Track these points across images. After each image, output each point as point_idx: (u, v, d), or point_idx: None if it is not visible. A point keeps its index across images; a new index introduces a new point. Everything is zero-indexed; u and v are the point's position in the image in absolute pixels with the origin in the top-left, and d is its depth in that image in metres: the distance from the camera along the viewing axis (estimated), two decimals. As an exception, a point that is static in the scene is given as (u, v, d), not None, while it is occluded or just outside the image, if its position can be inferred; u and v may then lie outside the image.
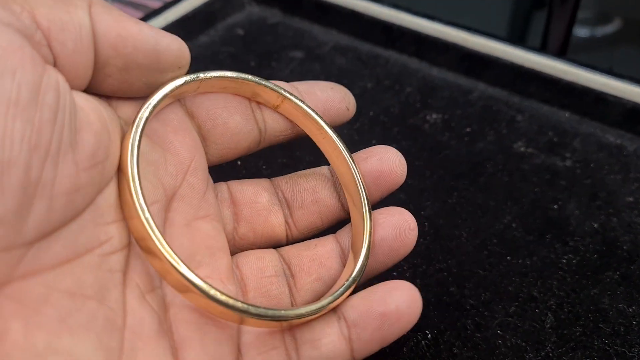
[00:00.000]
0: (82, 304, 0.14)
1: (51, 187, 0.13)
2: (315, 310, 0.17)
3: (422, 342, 0.20)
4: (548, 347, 0.20)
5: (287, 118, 0.20)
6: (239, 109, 0.19)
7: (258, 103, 0.20)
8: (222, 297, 0.15)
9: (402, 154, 0.20)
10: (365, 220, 0.19)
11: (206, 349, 0.16)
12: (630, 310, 0.21)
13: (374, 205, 0.19)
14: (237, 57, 0.34)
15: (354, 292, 0.18)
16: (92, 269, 0.15)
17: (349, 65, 0.33)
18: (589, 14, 0.47)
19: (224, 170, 0.21)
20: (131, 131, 0.16)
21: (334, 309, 0.17)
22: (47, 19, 0.14)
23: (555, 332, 0.21)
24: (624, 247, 0.24)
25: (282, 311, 0.16)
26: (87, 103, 0.15)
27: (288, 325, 0.17)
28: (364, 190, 0.19)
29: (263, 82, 0.19)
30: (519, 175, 0.27)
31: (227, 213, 0.19)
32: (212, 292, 0.15)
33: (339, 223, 0.20)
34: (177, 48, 0.17)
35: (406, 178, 0.20)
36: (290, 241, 0.20)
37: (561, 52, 0.36)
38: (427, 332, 0.21)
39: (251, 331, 0.17)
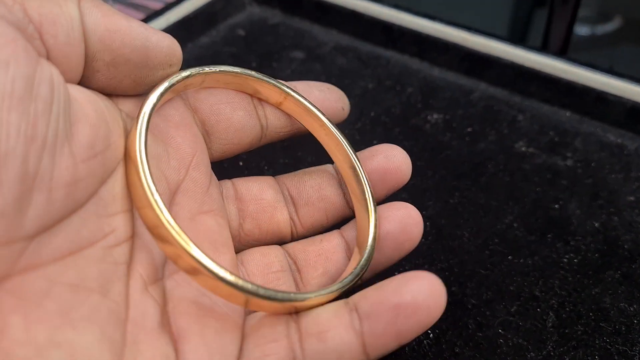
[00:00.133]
0: (85, 297, 0.14)
1: (49, 179, 0.13)
2: (324, 294, 0.17)
3: (424, 341, 0.21)
4: (549, 346, 0.20)
5: (289, 115, 0.20)
6: (242, 104, 0.20)
7: (260, 100, 0.20)
8: (232, 278, 0.15)
9: (404, 154, 0.20)
10: (370, 213, 0.19)
11: (206, 340, 0.16)
12: (632, 309, 0.21)
13: (378, 203, 0.19)
14: (239, 57, 0.34)
15: (363, 286, 0.17)
16: (95, 261, 0.15)
17: (349, 66, 0.33)
18: (590, 12, 0.47)
19: (226, 170, 0.21)
20: (138, 120, 0.16)
21: (346, 301, 0.17)
22: (38, 12, 0.14)
23: (557, 331, 0.21)
24: (625, 247, 0.24)
25: (292, 294, 0.16)
26: (82, 95, 0.15)
27: (295, 310, 0.17)
28: (368, 184, 0.19)
29: (266, 78, 0.19)
30: (520, 175, 0.27)
31: (233, 209, 0.19)
32: (222, 273, 0.15)
33: (344, 220, 0.20)
34: (167, 45, 0.17)
35: (408, 178, 0.20)
36: (295, 238, 0.20)
37: (562, 51, 0.36)
38: (429, 331, 0.21)
39: (254, 322, 0.17)
